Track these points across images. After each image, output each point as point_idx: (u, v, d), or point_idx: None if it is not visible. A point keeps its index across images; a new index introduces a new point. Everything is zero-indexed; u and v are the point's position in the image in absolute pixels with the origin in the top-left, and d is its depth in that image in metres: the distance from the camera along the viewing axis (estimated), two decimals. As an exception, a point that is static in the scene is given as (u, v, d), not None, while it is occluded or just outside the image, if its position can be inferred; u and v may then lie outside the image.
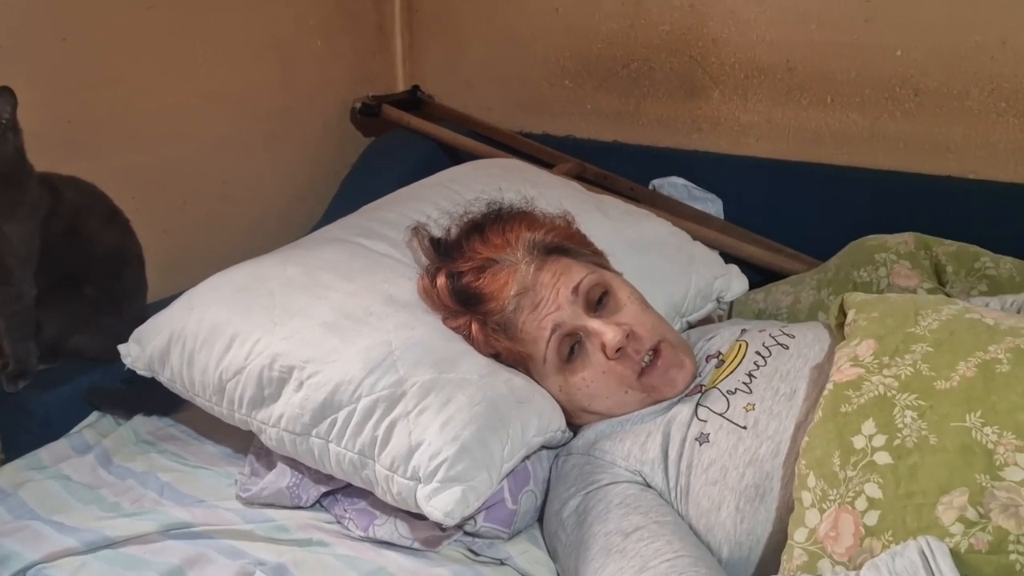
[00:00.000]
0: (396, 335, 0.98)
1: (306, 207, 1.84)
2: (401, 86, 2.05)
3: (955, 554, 0.67)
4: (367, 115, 1.90)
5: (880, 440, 0.76)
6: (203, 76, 1.59)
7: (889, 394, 0.78)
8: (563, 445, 1.04)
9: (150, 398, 1.21)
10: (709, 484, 0.88)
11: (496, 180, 1.29)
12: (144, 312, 1.20)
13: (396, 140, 1.87)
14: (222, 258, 1.26)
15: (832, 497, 0.75)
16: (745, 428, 0.90)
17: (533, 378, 1.02)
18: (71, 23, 1.37)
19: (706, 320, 1.27)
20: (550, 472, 1.02)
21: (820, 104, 1.58)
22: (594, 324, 0.99)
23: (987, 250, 1.25)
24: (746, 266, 1.47)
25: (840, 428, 0.78)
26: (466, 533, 0.96)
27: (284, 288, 1.05)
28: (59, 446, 1.16)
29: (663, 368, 0.99)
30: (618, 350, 0.97)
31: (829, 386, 0.83)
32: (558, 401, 1.02)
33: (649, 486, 0.93)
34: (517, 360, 1.02)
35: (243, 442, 1.15)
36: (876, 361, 0.82)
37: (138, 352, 1.11)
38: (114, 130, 1.46)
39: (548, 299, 1.00)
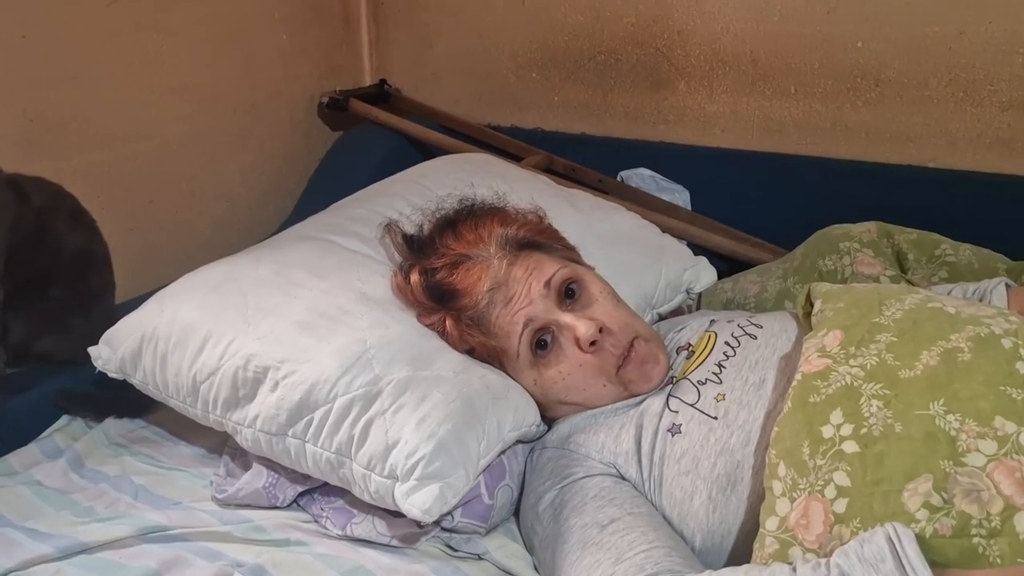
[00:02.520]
0: (371, 333, 0.99)
1: (275, 203, 1.83)
2: (368, 80, 2.04)
3: (921, 539, 0.69)
4: (334, 109, 1.89)
5: (848, 429, 0.78)
6: (167, 72, 1.57)
7: (856, 384, 0.80)
8: (538, 439, 1.05)
9: (121, 400, 1.20)
10: (682, 474, 0.90)
11: (467, 175, 1.29)
12: (112, 313, 1.19)
13: (364, 135, 1.86)
14: (190, 256, 1.25)
15: (802, 486, 0.77)
16: (716, 418, 0.92)
17: (507, 372, 1.03)
18: (30, 20, 1.34)
19: (676, 312, 1.29)
20: (525, 466, 1.03)
21: (784, 95, 1.60)
22: (566, 318, 1.00)
23: (947, 237, 1.28)
24: (713, 255, 1.50)
25: (809, 418, 0.80)
26: (443, 529, 0.97)
27: (256, 287, 1.05)
28: (29, 451, 1.15)
29: (638, 363, 1.00)
30: (592, 343, 0.99)
31: (798, 377, 0.85)
32: (532, 395, 1.03)
33: (623, 478, 0.95)
34: (491, 355, 1.03)
35: (217, 442, 1.14)
36: (843, 352, 0.84)
37: (109, 354, 1.10)
38: (77, 128, 1.44)
39: (521, 294, 1.01)
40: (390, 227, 1.15)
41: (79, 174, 1.43)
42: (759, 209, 1.61)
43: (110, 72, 1.48)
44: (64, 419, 1.22)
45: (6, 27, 1.31)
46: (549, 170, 1.71)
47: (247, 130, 1.77)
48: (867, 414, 0.78)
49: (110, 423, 1.22)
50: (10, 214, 1.15)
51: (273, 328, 0.99)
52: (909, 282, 1.23)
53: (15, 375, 1.22)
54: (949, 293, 1.06)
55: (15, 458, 1.14)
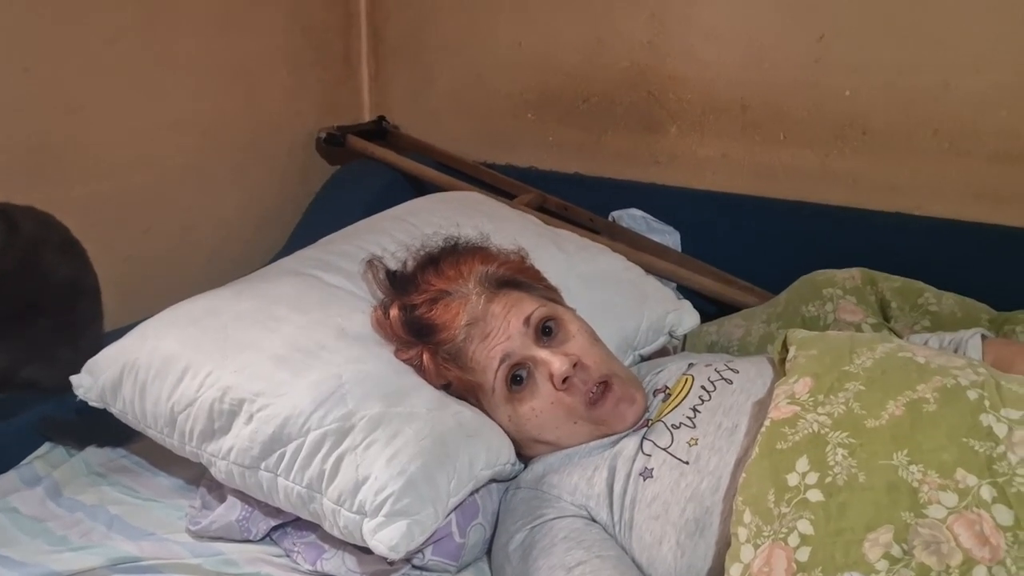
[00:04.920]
0: (347, 368, 0.99)
1: (269, 236, 1.85)
2: (367, 116, 2.06)
3: (879, 590, 0.69)
4: (332, 145, 1.92)
5: (813, 477, 0.78)
6: (167, 105, 1.60)
7: (822, 432, 0.80)
8: (513, 478, 1.05)
9: (103, 429, 1.20)
10: (651, 519, 0.90)
11: (454, 214, 1.30)
12: (100, 342, 1.20)
13: (360, 170, 1.88)
14: (184, 287, 1.26)
15: (766, 533, 0.77)
16: (687, 463, 0.92)
17: (483, 409, 1.04)
18: (33, 53, 1.37)
19: (661, 352, 1.29)
20: (499, 505, 1.03)
21: (773, 141, 1.62)
22: (542, 354, 1.00)
23: (931, 286, 1.28)
24: (701, 298, 1.51)
25: (775, 465, 0.80)
26: (414, 567, 0.97)
27: (236, 321, 1.06)
28: (8, 478, 1.16)
29: (613, 402, 1.00)
30: (565, 380, 0.99)
31: (766, 423, 0.85)
32: (508, 432, 1.03)
33: (594, 520, 0.94)
34: (467, 390, 1.03)
35: (196, 474, 1.15)
36: (811, 399, 0.84)
37: (90, 383, 1.10)
38: (76, 159, 1.46)
39: (498, 329, 1.01)
40: (372, 263, 1.16)
41: (77, 204, 1.44)
42: (747, 252, 1.62)
43: (110, 104, 1.50)
44: (45, 446, 1.23)
45: (9, 59, 1.34)
46: (542, 208, 1.72)
47: (245, 164, 1.79)
48: (832, 463, 0.78)
49: (91, 452, 1.23)
50: (-1, 243, 1.17)
51: (250, 361, 1.00)
52: (891, 330, 1.23)
53: (-2, 401, 1.23)
54: (926, 343, 1.07)
55: (-7, 484, 1.15)
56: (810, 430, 0.81)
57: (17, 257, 1.19)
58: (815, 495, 0.77)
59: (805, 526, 0.75)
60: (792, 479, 0.79)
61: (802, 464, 0.79)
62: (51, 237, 1.26)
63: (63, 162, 1.45)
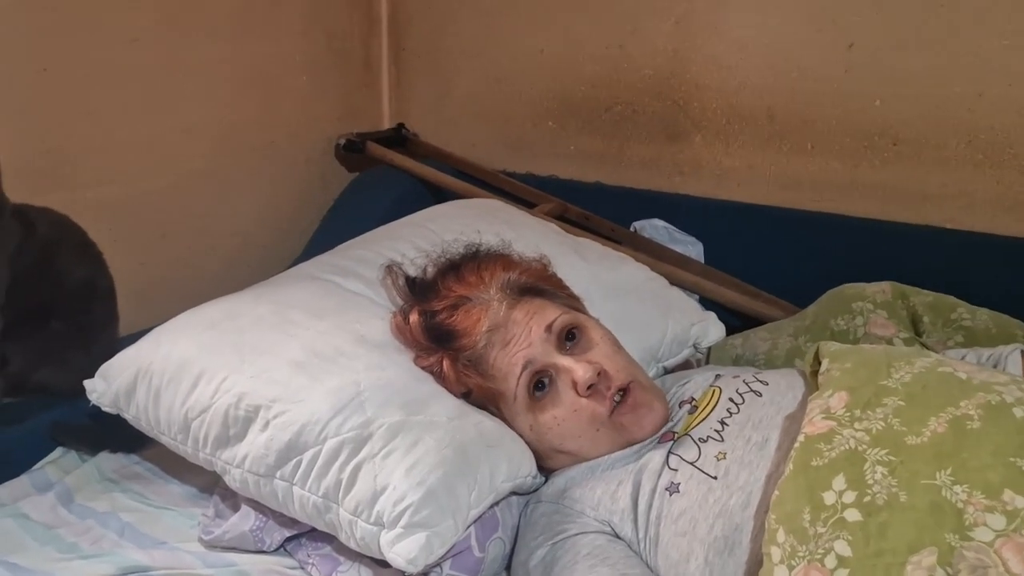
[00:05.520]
0: (365, 375, 0.97)
1: (287, 242, 1.83)
2: (387, 123, 2.05)
3: (924, 616, 0.66)
4: (351, 151, 1.90)
5: (850, 496, 0.74)
6: (185, 109, 1.59)
7: (860, 449, 0.77)
8: (534, 491, 1.02)
9: (116, 434, 1.19)
10: (678, 535, 0.87)
11: (475, 221, 1.28)
12: (115, 346, 1.19)
13: (379, 176, 1.87)
14: (200, 292, 1.24)
15: (801, 553, 0.74)
16: (716, 478, 0.88)
17: (504, 417, 1.01)
18: (52, 54, 1.36)
19: (684, 365, 1.27)
20: (519, 519, 1.00)
21: (800, 151, 1.59)
22: (565, 361, 0.98)
23: (964, 301, 1.25)
24: (724, 310, 1.48)
25: (811, 483, 0.77)
26: (431, 582, 0.94)
27: (254, 326, 1.04)
28: (19, 483, 1.14)
29: (632, 407, 0.98)
30: (589, 387, 0.96)
31: (800, 438, 0.82)
32: (528, 442, 1.01)
33: (618, 536, 0.91)
34: (488, 398, 1.01)
35: (209, 482, 1.13)
36: (848, 414, 0.81)
37: (104, 388, 1.09)
38: (92, 161, 1.45)
39: (520, 336, 0.99)
40: (391, 269, 1.14)
41: (92, 207, 1.43)
42: (772, 265, 1.58)
43: (128, 107, 1.50)
44: (58, 451, 1.21)
45: (27, 59, 1.33)
46: (562, 218, 1.70)
47: (263, 169, 1.78)
48: (871, 481, 0.75)
49: (104, 457, 1.21)
50: (14, 243, 1.15)
51: (267, 367, 0.98)
52: (924, 345, 1.20)
53: (11, 405, 1.21)
54: (963, 358, 1.03)
55: (4, 490, 1.13)
56: (847, 446, 0.78)
57: (32, 258, 1.18)
58: (853, 515, 0.73)
59: (843, 547, 0.72)
60: (828, 497, 0.76)
61: (839, 482, 0.76)
62: (67, 239, 1.25)
63: (79, 165, 1.44)
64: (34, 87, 1.35)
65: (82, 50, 1.41)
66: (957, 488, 0.71)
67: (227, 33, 1.65)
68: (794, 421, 0.90)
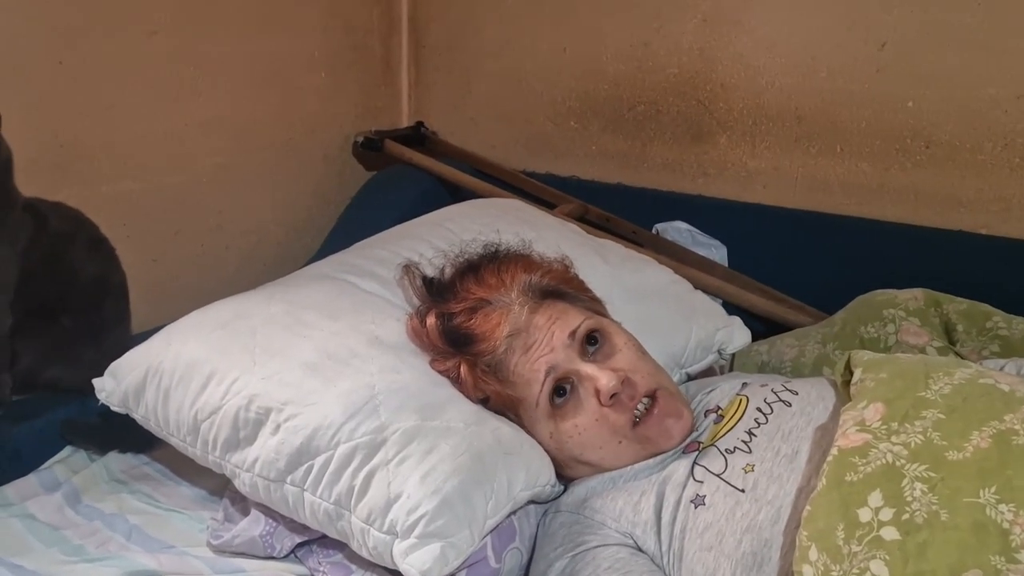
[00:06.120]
0: (380, 378, 0.94)
1: (303, 240, 1.81)
2: (406, 121, 2.03)
3: (967, 643, 0.62)
4: (369, 149, 1.88)
5: (887, 514, 0.71)
6: (202, 104, 1.57)
7: (898, 463, 0.74)
8: (552, 500, 0.99)
9: (126, 434, 1.16)
10: (704, 550, 0.83)
11: (494, 221, 1.25)
12: (126, 344, 1.16)
13: (397, 175, 1.84)
14: (214, 290, 1.22)
15: (835, 573, 0.70)
16: (743, 491, 0.85)
17: (523, 425, 0.98)
18: (68, 46, 1.35)
19: (707, 372, 1.23)
20: (537, 529, 0.97)
21: (829, 153, 1.55)
22: (588, 369, 0.95)
23: (999, 309, 1.21)
24: (749, 316, 1.44)
25: (845, 498, 0.74)
26: (445, 593, 0.91)
27: (266, 326, 1.01)
28: (27, 482, 1.12)
29: (659, 417, 0.94)
30: (612, 396, 0.93)
31: (833, 451, 0.78)
32: (548, 450, 0.97)
33: (641, 550, 0.88)
34: (507, 404, 0.98)
35: (219, 484, 1.10)
36: (884, 427, 0.78)
37: (113, 387, 1.06)
38: (107, 156, 1.44)
39: (541, 341, 0.96)
40: (409, 269, 1.11)
41: (107, 202, 1.42)
42: (799, 270, 1.55)
43: (145, 102, 1.48)
44: (67, 450, 1.19)
45: (43, 52, 1.32)
46: (583, 219, 1.67)
47: (279, 166, 1.76)
48: (910, 498, 0.71)
49: (113, 457, 1.19)
50: (25, 238, 1.13)
51: (279, 368, 0.95)
52: (958, 355, 1.15)
53: (20, 403, 1.19)
54: (1001, 369, 0.99)
55: (12, 489, 1.11)
56: (883, 461, 0.74)
57: (43, 254, 1.16)
58: (890, 533, 0.70)
59: (879, 567, 0.69)
60: (864, 514, 0.72)
61: (875, 498, 0.72)
62: (79, 234, 1.23)
63: (94, 159, 1.42)
64: (50, 80, 1.33)
65: (99, 43, 1.39)
66: (1002, 507, 0.68)
67: (245, 28, 1.62)
68: (826, 433, 0.87)
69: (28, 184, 1.18)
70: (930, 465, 0.72)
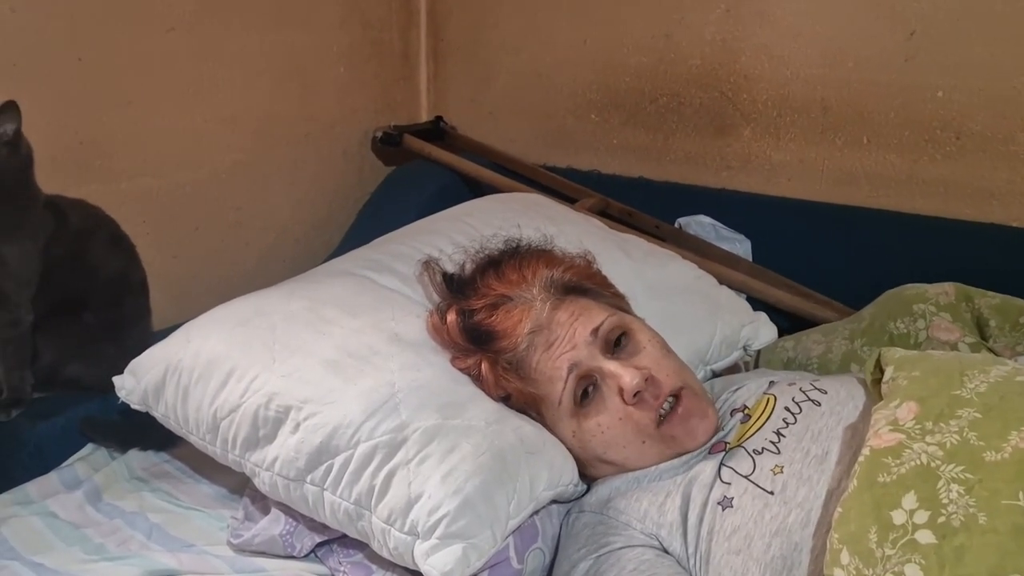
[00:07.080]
0: (400, 376, 0.93)
1: (323, 236, 1.81)
2: (425, 116, 2.02)
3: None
4: (388, 144, 1.87)
5: (922, 516, 0.69)
6: (221, 100, 1.56)
7: (933, 464, 0.71)
8: (575, 500, 0.97)
9: (147, 432, 1.16)
10: (732, 553, 0.81)
11: (515, 216, 1.24)
12: (147, 340, 1.16)
13: (417, 170, 1.83)
14: (233, 287, 1.22)
15: (867, 576, 0.68)
16: (772, 493, 0.83)
17: (545, 423, 0.96)
18: (88, 42, 1.34)
19: (732, 368, 1.21)
20: (560, 529, 0.96)
21: (856, 145, 1.52)
22: (611, 366, 0.93)
23: (1033, 304, 1.18)
24: (774, 311, 1.42)
25: (877, 500, 0.71)
26: (467, 594, 0.89)
27: (286, 323, 1.00)
28: (48, 480, 1.12)
29: (684, 416, 0.93)
30: (636, 395, 0.91)
31: (865, 451, 0.76)
32: (571, 449, 0.96)
33: (666, 551, 0.86)
34: (528, 402, 0.96)
35: (239, 482, 1.09)
36: (918, 426, 0.75)
37: (133, 384, 1.06)
38: (127, 152, 1.43)
39: (564, 338, 0.94)
40: (429, 265, 1.10)
41: (126, 198, 1.42)
42: (825, 264, 1.52)
43: (164, 98, 1.47)
44: (88, 447, 1.19)
45: (63, 48, 1.31)
46: (604, 213, 1.65)
47: (299, 162, 1.75)
48: (946, 500, 0.69)
49: (134, 455, 1.19)
50: (46, 235, 1.13)
51: (299, 366, 0.94)
52: (991, 351, 1.13)
53: (42, 400, 1.19)
54: (1038, 365, 0.96)
55: (33, 487, 1.11)
56: (918, 462, 0.72)
57: (64, 250, 1.16)
58: (925, 536, 0.68)
59: (914, 571, 0.66)
60: (898, 517, 0.70)
61: (909, 500, 0.70)
62: (100, 231, 1.23)
63: (114, 156, 1.42)
64: (70, 76, 1.33)
65: (118, 39, 1.38)
66: (1044, 511, 0.65)
67: (264, 23, 1.62)
68: (856, 433, 0.84)
69: (49, 181, 1.18)
70: (967, 466, 0.70)
